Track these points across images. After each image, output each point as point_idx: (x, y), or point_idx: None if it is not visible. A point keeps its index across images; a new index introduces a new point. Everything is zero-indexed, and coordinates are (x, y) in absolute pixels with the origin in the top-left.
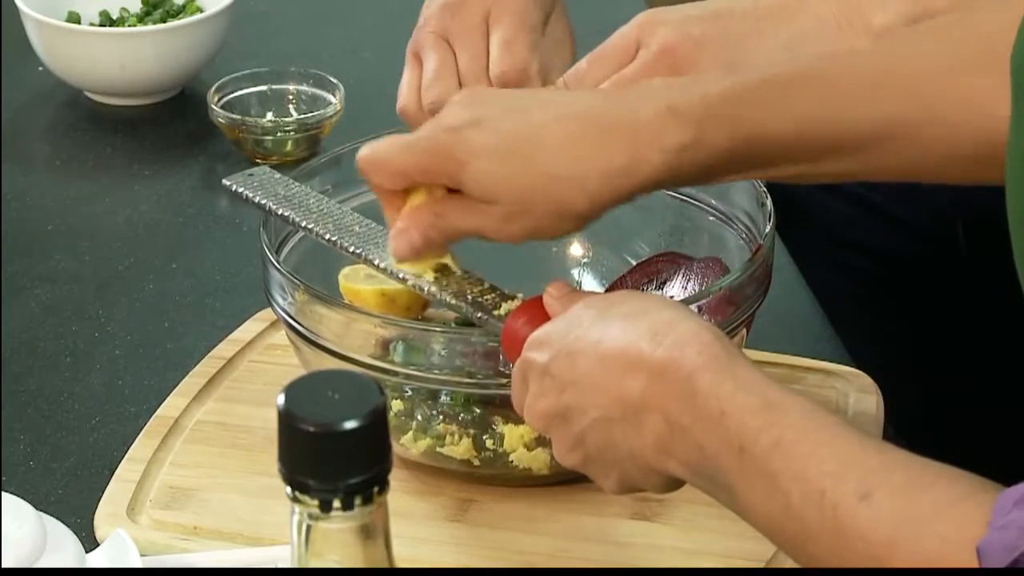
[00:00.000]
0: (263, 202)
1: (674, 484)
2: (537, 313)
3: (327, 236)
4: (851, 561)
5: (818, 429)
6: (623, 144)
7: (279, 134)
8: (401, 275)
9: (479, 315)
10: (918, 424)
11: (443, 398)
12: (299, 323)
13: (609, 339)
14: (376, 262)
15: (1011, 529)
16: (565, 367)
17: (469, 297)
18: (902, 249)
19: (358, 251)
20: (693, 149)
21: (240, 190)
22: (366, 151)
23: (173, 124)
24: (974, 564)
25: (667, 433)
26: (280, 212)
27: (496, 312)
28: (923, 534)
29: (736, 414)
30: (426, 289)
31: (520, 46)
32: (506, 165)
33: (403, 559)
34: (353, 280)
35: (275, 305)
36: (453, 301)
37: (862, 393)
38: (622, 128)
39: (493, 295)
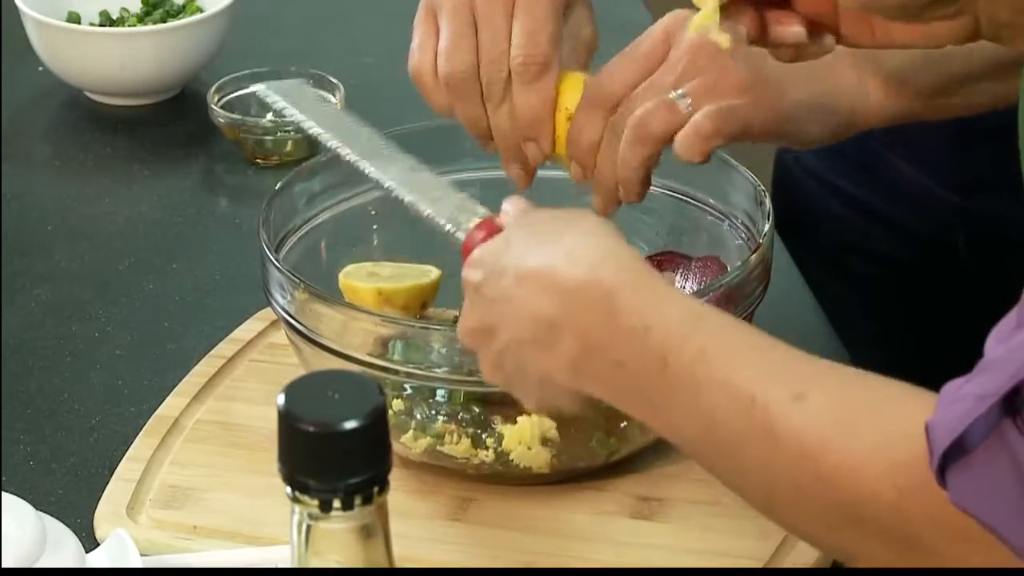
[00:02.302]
0: (282, 107)
1: (591, 402)
2: (495, 230)
3: (330, 143)
4: (782, 463)
5: (744, 339)
6: None
7: (279, 134)
8: (386, 184)
9: (448, 227)
10: None
11: (442, 397)
12: (299, 322)
13: (529, 259)
14: (367, 171)
15: (962, 402)
16: (492, 286)
17: (447, 209)
18: (902, 255)
19: (354, 157)
20: None
21: (266, 94)
22: None
23: (173, 124)
24: (919, 451)
25: (581, 353)
26: (297, 119)
27: (466, 225)
28: (862, 429)
29: (660, 329)
30: (405, 199)
31: (543, 37)
32: None
33: (403, 559)
34: (353, 278)
35: (275, 304)
36: (427, 212)
37: None
38: None
39: (471, 212)
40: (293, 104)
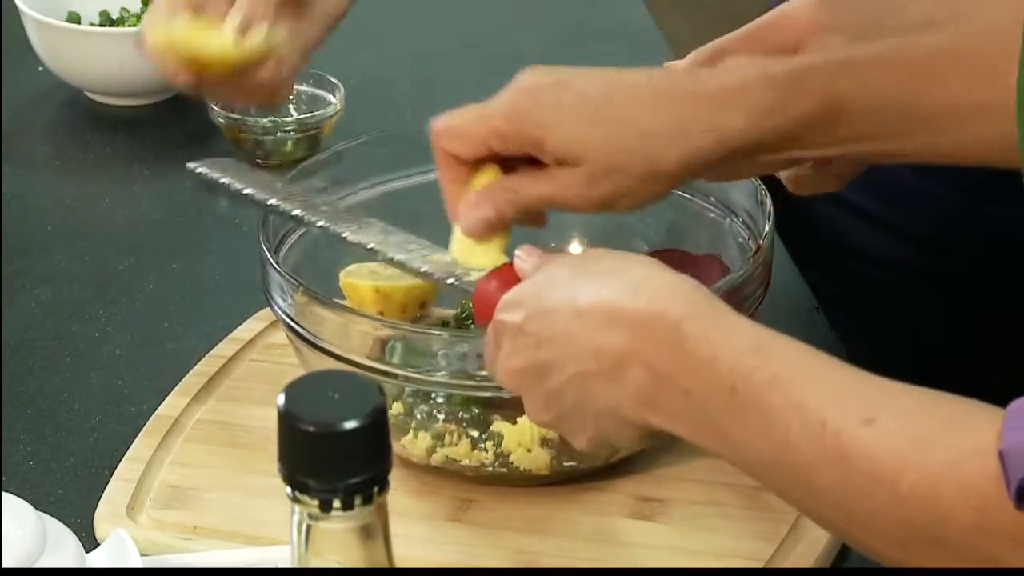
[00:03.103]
0: (227, 182)
1: (647, 439)
2: (509, 277)
3: (293, 212)
4: (856, 486)
5: (813, 365)
6: (713, 104)
7: (279, 134)
8: (370, 246)
9: (450, 280)
10: None
11: (441, 398)
12: (298, 324)
13: (586, 295)
14: (346, 236)
15: None
16: (541, 325)
17: (441, 263)
18: (897, 256)
19: (325, 224)
20: (778, 113)
21: (204, 171)
22: (441, 120)
23: (173, 124)
24: (992, 471)
25: (649, 383)
26: (246, 192)
27: (467, 278)
28: (933, 448)
29: (728, 356)
30: (395, 258)
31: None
32: (594, 123)
33: (403, 559)
34: (353, 276)
35: (275, 306)
36: (423, 268)
37: None
38: (712, 91)
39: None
40: (239, 181)
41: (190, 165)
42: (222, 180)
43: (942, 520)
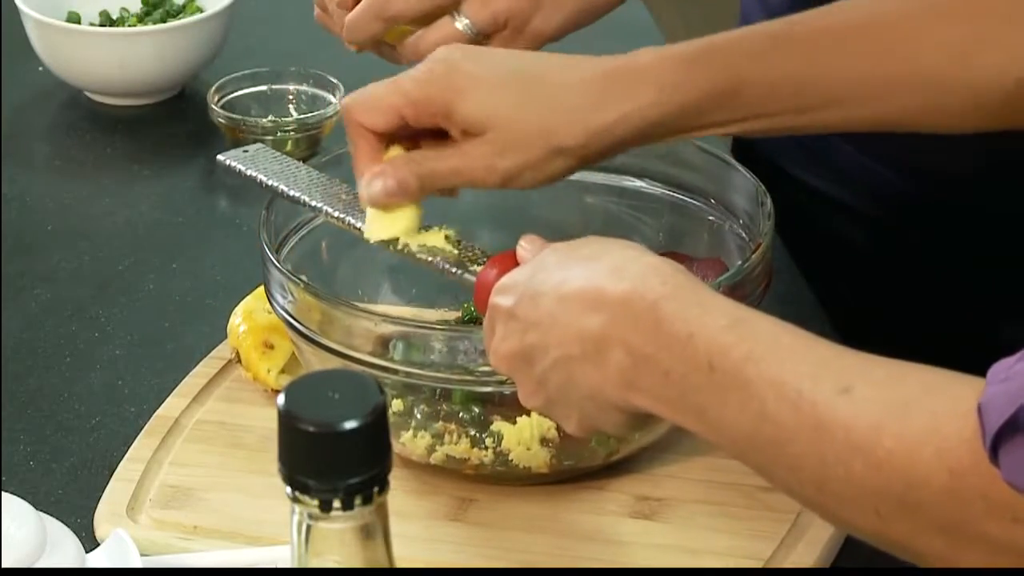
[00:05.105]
0: (253, 175)
1: (634, 422)
2: (509, 265)
3: (313, 203)
4: (833, 454)
5: (790, 339)
6: (620, 82)
7: (279, 134)
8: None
9: (454, 270)
10: None
11: (441, 396)
12: (299, 322)
13: (571, 279)
14: (360, 227)
15: (1015, 380)
16: (528, 309)
17: (444, 254)
18: (898, 256)
19: (341, 216)
20: (682, 91)
21: (233, 164)
22: (353, 94)
23: (173, 124)
24: (968, 432)
25: (630, 365)
26: (269, 183)
27: (472, 268)
28: (912, 414)
29: (705, 334)
30: (403, 248)
31: None
32: (503, 94)
33: (403, 559)
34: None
35: (275, 304)
36: (428, 258)
37: None
38: (619, 70)
39: (469, 253)
40: (260, 171)
41: (220, 157)
42: (249, 173)
43: (918, 483)
